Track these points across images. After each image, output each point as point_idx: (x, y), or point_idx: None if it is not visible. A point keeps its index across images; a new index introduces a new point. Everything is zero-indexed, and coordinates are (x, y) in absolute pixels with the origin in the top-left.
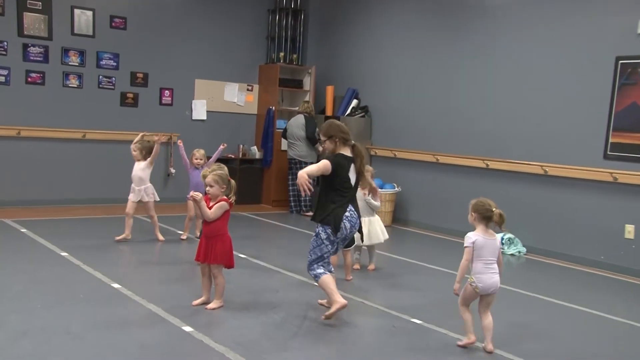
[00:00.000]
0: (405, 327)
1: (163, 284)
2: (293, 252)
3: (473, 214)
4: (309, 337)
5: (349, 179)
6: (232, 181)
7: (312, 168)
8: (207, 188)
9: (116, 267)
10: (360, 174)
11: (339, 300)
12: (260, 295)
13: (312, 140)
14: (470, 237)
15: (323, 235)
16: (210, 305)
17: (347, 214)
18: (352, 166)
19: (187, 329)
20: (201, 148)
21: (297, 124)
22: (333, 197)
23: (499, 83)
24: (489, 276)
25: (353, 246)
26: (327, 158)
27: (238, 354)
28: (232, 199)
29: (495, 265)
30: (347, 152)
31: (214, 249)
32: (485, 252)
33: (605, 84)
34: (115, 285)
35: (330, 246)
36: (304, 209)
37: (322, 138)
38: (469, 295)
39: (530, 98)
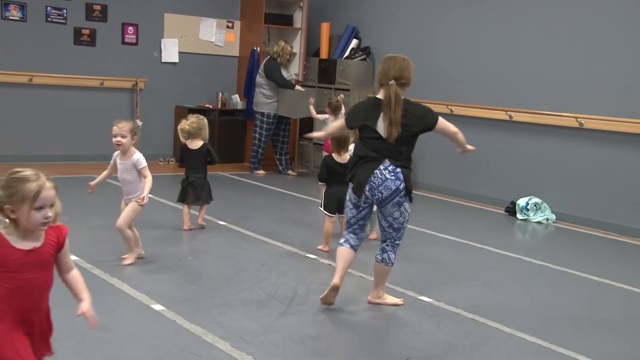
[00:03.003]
0: (411, 306)
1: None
2: (281, 218)
3: (134, 137)
4: (297, 318)
5: (370, 128)
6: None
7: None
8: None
9: None
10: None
11: (333, 280)
12: (242, 268)
13: (279, 83)
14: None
15: (349, 197)
16: None
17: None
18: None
19: (158, 307)
20: (177, 96)
21: (260, 67)
22: (359, 150)
23: (527, 20)
24: None
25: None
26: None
27: (217, 336)
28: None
29: None
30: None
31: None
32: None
33: None
34: None
35: (355, 210)
36: (284, 165)
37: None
38: (138, 211)
39: (563, 39)
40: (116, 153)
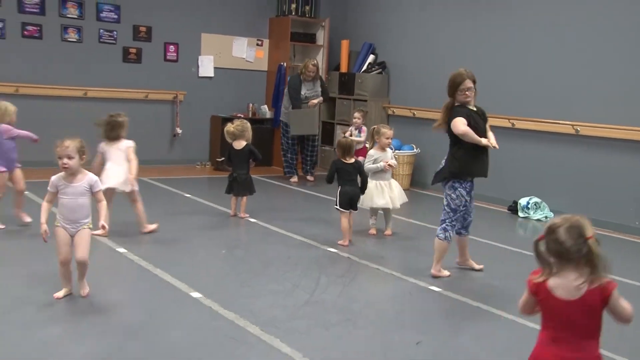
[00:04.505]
0: (422, 295)
1: (171, 251)
2: (305, 216)
3: (83, 156)
4: (321, 305)
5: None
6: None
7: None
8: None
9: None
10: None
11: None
12: (270, 261)
13: (290, 96)
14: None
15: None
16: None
17: None
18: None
19: (196, 295)
20: (213, 107)
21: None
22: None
23: (528, 35)
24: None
25: (356, 210)
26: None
27: (248, 321)
28: None
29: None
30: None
31: None
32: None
33: None
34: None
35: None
36: (305, 170)
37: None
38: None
39: (561, 51)
40: (56, 178)
